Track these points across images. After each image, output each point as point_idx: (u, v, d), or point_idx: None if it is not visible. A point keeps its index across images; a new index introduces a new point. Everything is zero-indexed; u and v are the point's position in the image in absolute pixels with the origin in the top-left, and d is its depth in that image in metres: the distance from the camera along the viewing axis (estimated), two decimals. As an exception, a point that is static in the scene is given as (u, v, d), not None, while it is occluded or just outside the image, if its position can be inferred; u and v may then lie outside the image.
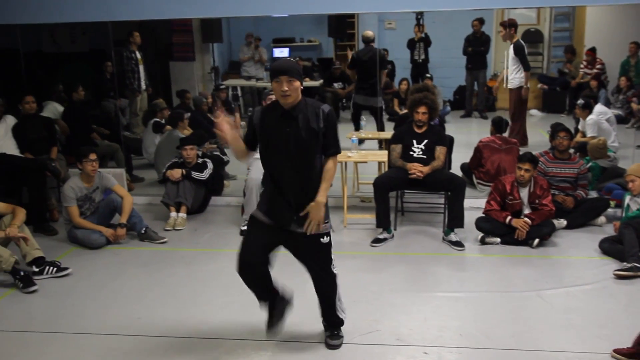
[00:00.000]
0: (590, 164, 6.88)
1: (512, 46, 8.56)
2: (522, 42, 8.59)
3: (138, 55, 8.70)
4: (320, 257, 3.81)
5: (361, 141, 7.50)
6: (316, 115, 3.52)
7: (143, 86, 8.91)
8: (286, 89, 3.39)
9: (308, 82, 11.39)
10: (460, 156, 7.44)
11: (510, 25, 8.56)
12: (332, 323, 4.01)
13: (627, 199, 5.68)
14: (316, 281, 3.90)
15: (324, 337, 4.02)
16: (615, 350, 3.74)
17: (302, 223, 3.62)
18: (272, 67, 3.46)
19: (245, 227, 6.03)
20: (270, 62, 12.36)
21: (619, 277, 4.86)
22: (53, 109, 8.02)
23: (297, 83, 3.43)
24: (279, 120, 3.50)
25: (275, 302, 3.90)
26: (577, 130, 8.03)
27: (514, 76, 8.58)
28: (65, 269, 5.22)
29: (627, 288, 4.74)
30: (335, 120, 3.63)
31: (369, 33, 8.89)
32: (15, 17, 6.92)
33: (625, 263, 4.95)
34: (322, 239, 3.73)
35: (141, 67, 8.79)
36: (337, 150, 3.68)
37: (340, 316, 3.99)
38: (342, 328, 4.04)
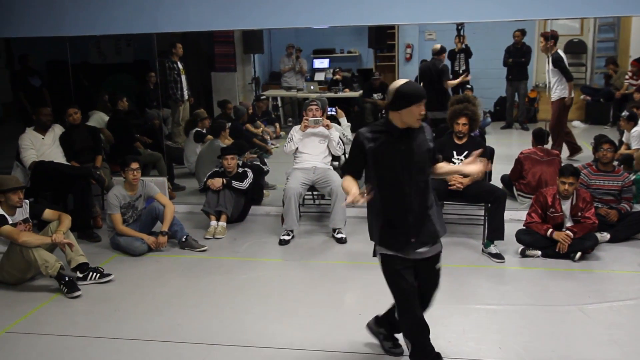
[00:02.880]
0: (634, 176, 6.74)
1: (550, 58, 8.47)
2: (560, 53, 8.47)
3: (180, 65, 8.86)
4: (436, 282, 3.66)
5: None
6: (424, 133, 3.47)
7: (185, 96, 9.06)
8: (423, 112, 3.35)
9: (348, 93, 11.45)
10: (501, 168, 7.37)
11: (550, 38, 8.46)
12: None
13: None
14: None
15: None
16: None
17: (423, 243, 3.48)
18: (413, 92, 3.28)
19: (285, 237, 6.13)
20: (310, 73, 12.47)
21: (664, 293, 4.76)
22: (98, 119, 8.22)
23: None
24: (397, 141, 3.37)
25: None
26: (621, 142, 7.89)
27: (555, 88, 8.47)
28: (108, 275, 5.33)
29: (673, 304, 4.63)
30: None
31: (436, 46, 8.84)
32: (65, 29, 7.11)
33: (670, 278, 4.86)
34: (437, 264, 3.59)
35: (183, 78, 8.95)
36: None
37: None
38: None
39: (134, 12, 6.90)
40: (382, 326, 4.01)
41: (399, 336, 3.93)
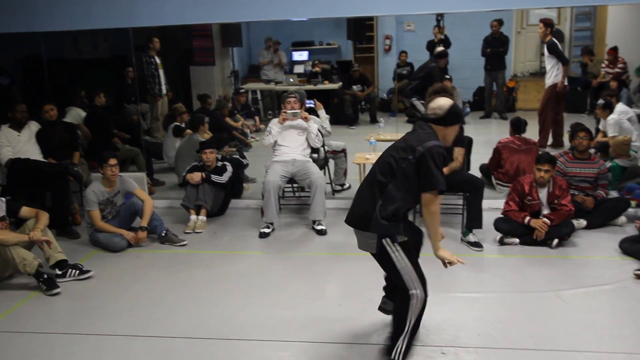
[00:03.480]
0: (610, 163, 6.83)
1: (545, 46, 8.60)
2: (554, 40, 8.59)
3: (157, 60, 8.80)
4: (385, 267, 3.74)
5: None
6: None
7: (163, 91, 9.01)
8: None
9: (327, 85, 11.45)
10: (480, 157, 7.42)
11: (548, 25, 8.56)
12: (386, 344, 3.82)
13: (648, 198, 5.65)
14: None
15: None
16: None
17: None
18: (461, 112, 3.69)
19: (265, 230, 6.14)
20: (289, 66, 12.45)
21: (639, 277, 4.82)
22: (75, 115, 8.16)
23: None
24: None
25: None
26: (598, 130, 7.97)
27: (550, 74, 8.60)
28: (88, 271, 5.30)
29: (648, 288, 4.70)
30: None
31: (440, 49, 8.84)
32: (39, 25, 7.03)
33: (645, 263, 4.93)
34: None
35: (161, 72, 8.89)
36: None
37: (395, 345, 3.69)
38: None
39: (110, 6, 6.84)
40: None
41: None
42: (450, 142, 3.69)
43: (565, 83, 8.66)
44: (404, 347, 3.64)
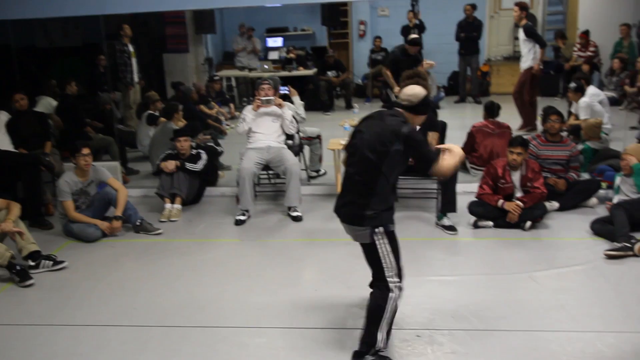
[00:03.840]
0: (582, 146, 6.91)
1: (521, 29, 8.62)
2: (530, 23, 8.63)
3: (130, 48, 8.70)
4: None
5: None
6: None
7: (136, 79, 8.92)
8: None
9: (302, 71, 11.43)
10: (455, 141, 7.28)
11: (523, 8, 8.58)
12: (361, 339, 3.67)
13: (618, 180, 5.73)
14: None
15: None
16: None
17: None
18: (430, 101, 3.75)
19: (241, 217, 6.14)
20: (264, 52, 12.39)
21: (610, 257, 4.91)
22: (47, 104, 8.05)
23: None
24: None
25: None
26: (570, 113, 8.06)
27: (527, 58, 8.66)
28: (61, 262, 5.25)
29: (617, 267, 4.78)
30: None
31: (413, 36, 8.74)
32: (6, 12, 6.91)
33: (615, 243, 5.01)
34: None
35: (134, 60, 8.80)
36: None
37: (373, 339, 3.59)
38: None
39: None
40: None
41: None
42: (416, 126, 3.71)
43: (541, 66, 8.72)
44: (384, 336, 3.57)
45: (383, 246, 3.54)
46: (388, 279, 3.54)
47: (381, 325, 3.55)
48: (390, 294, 3.53)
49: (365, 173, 3.51)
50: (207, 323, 4.21)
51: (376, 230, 3.52)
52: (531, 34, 8.55)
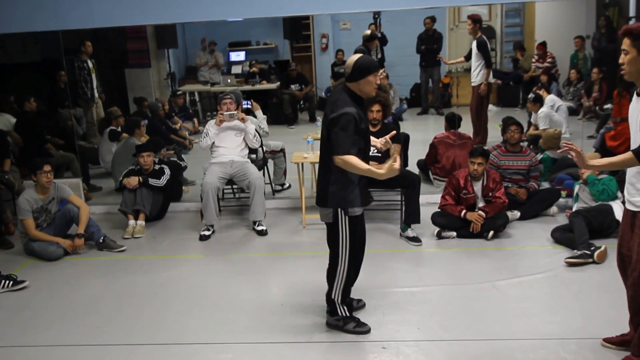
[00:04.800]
0: (541, 155, 7.05)
1: (475, 42, 8.65)
2: (485, 38, 8.67)
3: (90, 64, 8.60)
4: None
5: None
6: None
7: (96, 94, 8.80)
8: (379, 82, 3.86)
9: (265, 85, 11.43)
10: (418, 153, 7.55)
11: (475, 21, 8.62)
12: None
13: (577, 188, 5.86)
14: None
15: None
16: (606, 340, 3.80)
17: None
18: (370, 62, 3.77)
19: (205, 232, 6.11)
20: (226, 66, 12.37)
21: (570, 265, 5.01)
22: (5, 121, 7.90)
23: None
24: (363, 110, 3.87)
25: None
26: (530, 123, 8.21)
27: (477, 73, 8.65)
28: (22, 282, 5.16)
29: (578, 275, 4.88)
30: None
31: (366, 32, 8.76)
32: (-39, 28, 6.80)
33: (575, 251, 5.11)
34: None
35: (94, 76, 8.69)
36: None
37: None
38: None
39: (35, 8, 6.64)
40: (335, 313, 4.12)
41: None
42: (370, 93, 3.84)
43: (492, 81, 8.76)
44: (341, 288, 4.01)
45: (344, 228, 3.85)
46: (337, 263, 3.95)
47: (337, 282, 3.99)
48: (338, 269, 3.95)
49: (325, 151, 3.83)
50: (172, 340, 4.17)
51: (339, 211, 3.82)
52: (482, 49, 8.57)
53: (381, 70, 8.05)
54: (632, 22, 7.22)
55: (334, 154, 3.67)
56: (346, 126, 3.64)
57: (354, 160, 3.61)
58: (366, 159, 3.80)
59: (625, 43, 3.17)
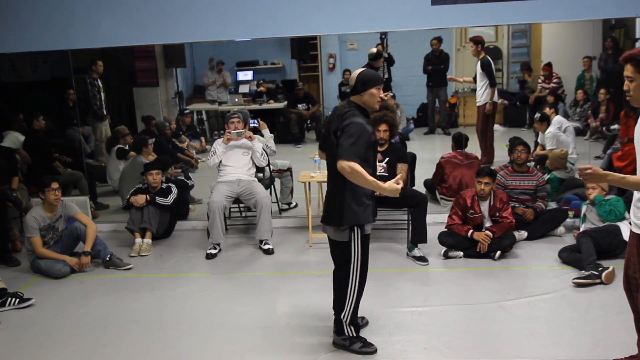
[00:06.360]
0: (548, 175, 7.04)
1: (479, 62, 8.70)
2: (489, 58, 8.72)
3: (100, 83, 8.67)
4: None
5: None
6: None
7: (105, 113, 8.86)
8: (382, 95, 3.87)
9: (273, 104, 11.48)
10: (425, 172, 7.54)
11: (477, 42, 8.70)
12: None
13: (585, 208, 5.84)
14: None
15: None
16: None
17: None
18: (373, 75, 3.82)
19: (212, 251, 6.11)
20: (234, 85, 12.44)
21: (578, 285, 4.97)
22: (14, 139, 7.95)
23: None
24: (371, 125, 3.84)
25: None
26: (537, 143, 8.20)
27: (482, 93, 8.68)
28: (28, 299, 5.16)
29: (586, 295, 4.85)
30: None
31: (372, 50, 8.80)
32: (-27, 47, 6.88)
33: (583, 271, 5.08)
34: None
35: (103, 95, 8.76)
36: None
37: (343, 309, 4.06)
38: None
39: (45, 28, 6.74)
40: (341, 333, 4.09)
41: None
42: (374, 106, 3.87)
43: (497, 101, 8.80)
44: (351, 308, 4.00)
45: (356, 247, 3.85)
46: (349, 282, 3.94)
47: (349, 299, 3.97)
48: (349, 282, 3.94)
49: (335, 170, 3.74)
50: (178, 359, 4.15)
51: (355, 228, 3.81)
52: (486, 69, 8.64)
53: (388, 92, 8.13)
54: (638, 44, 7.25)
55: (339, 158, 3.64)
56: (357, 135, 3.64)
57: (359, 168, 3.60)
58: (374, 174, 3.79)
59: (629, 70, 3.14)
